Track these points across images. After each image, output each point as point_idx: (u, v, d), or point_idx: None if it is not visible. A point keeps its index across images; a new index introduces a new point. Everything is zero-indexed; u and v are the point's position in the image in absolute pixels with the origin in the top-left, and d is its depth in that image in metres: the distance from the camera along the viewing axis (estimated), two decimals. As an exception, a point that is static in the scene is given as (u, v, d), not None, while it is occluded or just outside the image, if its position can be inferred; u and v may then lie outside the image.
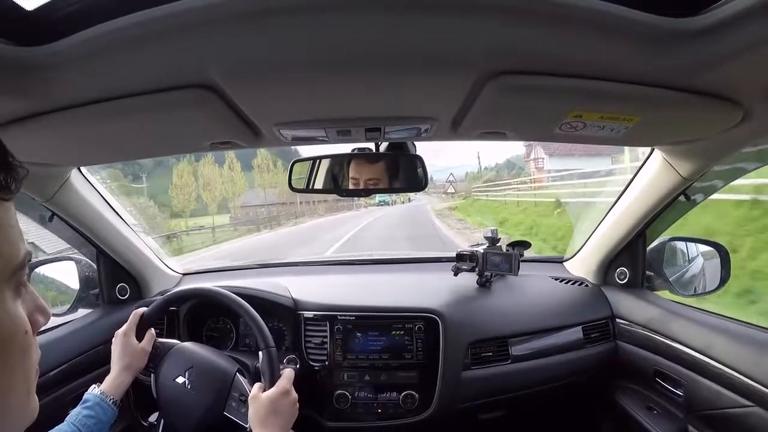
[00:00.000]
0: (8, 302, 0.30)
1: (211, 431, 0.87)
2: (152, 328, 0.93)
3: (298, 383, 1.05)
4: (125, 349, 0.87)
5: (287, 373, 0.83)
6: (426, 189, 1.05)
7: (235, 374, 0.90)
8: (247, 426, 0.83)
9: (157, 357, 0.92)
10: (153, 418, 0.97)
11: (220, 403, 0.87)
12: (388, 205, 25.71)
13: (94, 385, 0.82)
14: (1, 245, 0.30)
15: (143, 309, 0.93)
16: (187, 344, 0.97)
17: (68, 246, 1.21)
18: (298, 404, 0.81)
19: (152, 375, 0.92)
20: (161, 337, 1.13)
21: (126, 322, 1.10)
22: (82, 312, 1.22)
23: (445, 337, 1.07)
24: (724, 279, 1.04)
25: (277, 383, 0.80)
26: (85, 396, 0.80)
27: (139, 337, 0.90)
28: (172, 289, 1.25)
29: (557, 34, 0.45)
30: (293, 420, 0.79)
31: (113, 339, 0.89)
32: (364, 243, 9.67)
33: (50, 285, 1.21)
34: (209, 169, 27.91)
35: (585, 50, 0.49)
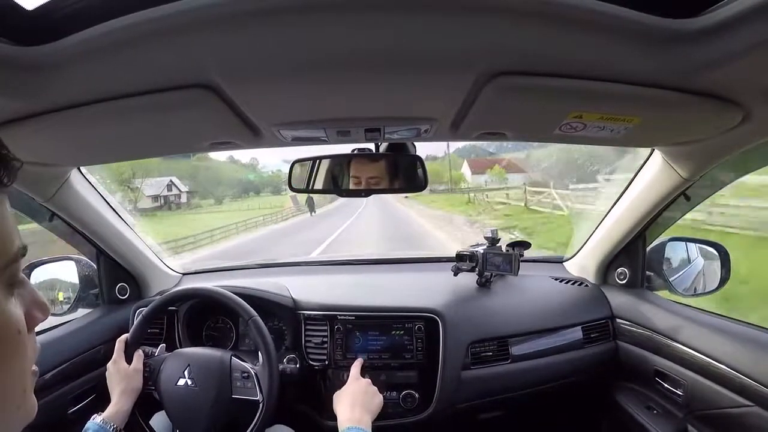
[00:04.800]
0: None
1: (225, 420, 0.89)
2: (140, 350, 0.97)
3: (297, 382, 1.06)
4: (118, 375, 0.91)
5: (356, 362, 0.99)
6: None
7: (231, 357, 0.93)
8: (257, 398, 0.88)
9: (153, 373, 0.94)
10: (154, 419, 0.98)
11: (226, 388, 0.90)
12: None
13: (95, 415, 0.84)
14: None
15: (126, 335, 0.97)
16: (177, 350, 1.00)
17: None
18: (374, 386, 0.91)
19: (154, 390, 0.93)
20: (161, 340, 1.14)
21: (126, 321, 1.12)
22: (82, 312, 1.22)
23: (445, 337, 1.07)
24: (723, 279, 1.05)
25: (350, 375, 0.93)
26: (87, 425, 0.82)
27: (129, 360, 0.94)
28: (171, 289, 1.25)
29: (557, 35, 0.45)
30: (375, 400, 0.88)
31: (106, 372, 0.93)
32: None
33: (50, 285, 1.21)
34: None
35: (585, 51, 0.48)
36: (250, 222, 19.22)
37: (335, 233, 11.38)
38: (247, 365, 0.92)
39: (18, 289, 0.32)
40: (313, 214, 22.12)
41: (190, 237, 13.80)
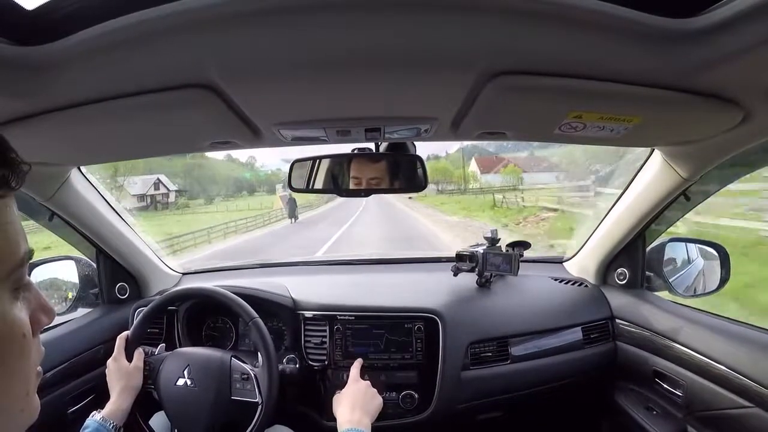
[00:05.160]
0: (4, 303, 0.29)
1: (224, 421, 0.89)
2: (140, 348, 0.96)
3: (297, 383, 1.06)
4: (118, 373, 0.91)
5: (355, 363, 0.98)
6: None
7: (231, 359, 0.93)
8: (256, 399, 0.88)
9: (152, 372, 0.94)
10: (153, 419, 0.98)
11: (225, 389, 0.90)
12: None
13: (94, 412, 0.84)
14: None
15: (126, 333, 0.97)
16: (177, 350, 0.99)
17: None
18: (373, 388, 0.91)
19: (153, 390, 0.93)
20: (161, 339, 1.14)
21: (125, 321, 1.11)
22: (81, 311, 1.22)
23: (445, 338, 1.07)
24: (723, 279, 1.05)
25: (350, 377, 0.93)
26: (86, 422, 0.81)
27: (130, 358, 0.94)
28: (171, 289, 1.25)
29: (557, 35, 0.45)
30: (374, 401, 0.88)
31: (106, 369, 0.92)
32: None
33: (50, 284, 1.21)
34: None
35: (585, 51, 0.48)
36: (216, 229, 15.86)
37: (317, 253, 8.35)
38: (247, 367, 0.92)
39: (24, 292, 0.32)
40: (293, 221, 18.46)
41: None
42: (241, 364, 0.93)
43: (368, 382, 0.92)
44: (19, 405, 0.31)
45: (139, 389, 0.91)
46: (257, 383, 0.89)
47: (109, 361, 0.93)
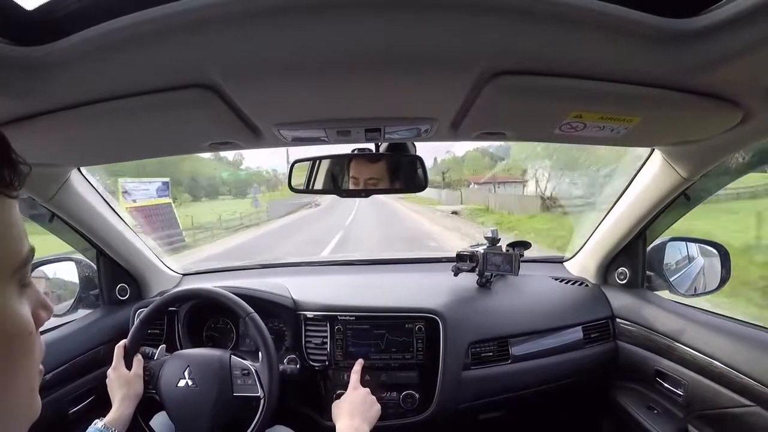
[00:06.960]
0: (13, 300, 0.30)
1: (227, 419, 0.89)
2: (138, 354, 0.97)
3: (298, 383, 1.06)
4: (119, 381, 0.91)
5: (355, 368, 0.98)
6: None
7: (231, 356, 0.94)
8: (258, 394, 0.89)
9: (153, 377, 0.94)
10: (154, 420, 0.98)
11: (227, 386, 0.90)
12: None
13: (96, 420, 0.84)
14: (4, 242, 0.30)
15: (124, 341, 0.97)
16: (176, 352, 1.00)
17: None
18: (372, 396, 0.92)
19: (155, 394, 0.94)
20: (162, 340, 1.14)
21: (126, 322, 1.11)
22: (82, 312, 1.22)
23: (446, 337, 1.07)
24: (724, 279, 1.05)
25: (349, 384, 0.95)
26: (89, 430, 0.82)
27: (129, 366, 0.94)
28: (171, 290, 1.25)
29: (557, 35, 0.45)
30: (373, 408, 0.89)
31: (107, 379, 0.93)
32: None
33: (50, 285, 1.21)
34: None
35: (585, 51, 0.48)
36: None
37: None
38: (247, 362, 0.92)
39: (26, 290, 0.32)
40: None
41: None
42: (241, 360, 0.93)
43: (368, 389, 0.93)
44: (23, 402, 0.31)
45: (140, 396, 0.92)
46: (258, 377, 0.90)
47: (109, 371, 0.93)
